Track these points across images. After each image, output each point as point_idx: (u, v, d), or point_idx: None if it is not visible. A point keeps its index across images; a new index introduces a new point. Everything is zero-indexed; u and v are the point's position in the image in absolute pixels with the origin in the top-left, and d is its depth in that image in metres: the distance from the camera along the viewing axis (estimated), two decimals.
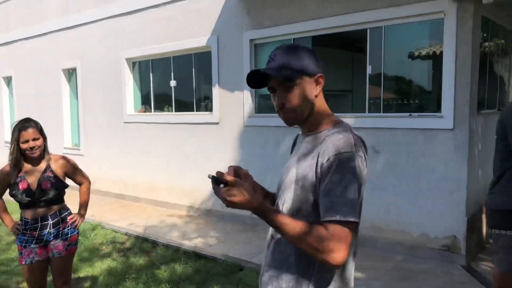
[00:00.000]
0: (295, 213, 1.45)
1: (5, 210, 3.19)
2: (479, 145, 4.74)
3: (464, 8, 4.26)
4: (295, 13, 5.54)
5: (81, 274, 4.62)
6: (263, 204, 1.35)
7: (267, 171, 5.78)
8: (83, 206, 3.33)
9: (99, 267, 4.79)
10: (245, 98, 6.24)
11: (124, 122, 8.12)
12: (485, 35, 4.92)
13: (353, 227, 1.33)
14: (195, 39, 6.76)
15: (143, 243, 5.61)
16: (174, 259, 4.96)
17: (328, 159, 1.36)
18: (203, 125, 6.86)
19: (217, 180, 1.34)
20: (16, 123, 3.02)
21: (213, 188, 1.35)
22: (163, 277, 4.43)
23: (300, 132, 1.59)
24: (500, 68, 5.77)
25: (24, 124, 2.97)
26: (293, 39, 5.67)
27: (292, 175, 1.48)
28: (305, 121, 1.50)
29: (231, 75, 6.38)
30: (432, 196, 4.61)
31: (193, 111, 7.21)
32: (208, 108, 6.97)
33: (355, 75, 7.12)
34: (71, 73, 9.48)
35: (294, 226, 1.32)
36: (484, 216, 4.98)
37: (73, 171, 3.23)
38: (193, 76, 7.13)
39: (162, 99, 7.83)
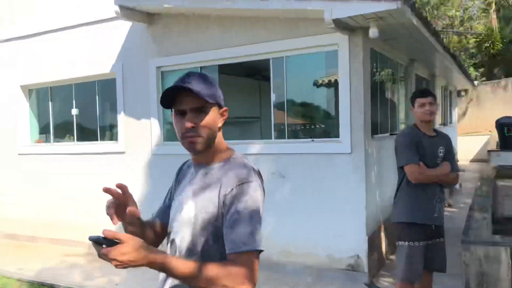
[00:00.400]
0: (195, 247, 1.41)
1: None
2: (375, 167, 5.09)
3: (355, 41, 4.62)
4: (201, 42, 5.58)
5: None
6: (159, 257, 1.26)
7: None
8: None
9: None
10: (152, 126, 6.09)
11: (19, 154, 7.47)
12: (375, 65, 5.37)
13: (258, 256, 1.34)
14: (99, 65, 6.49)
15: None
16: None
17: (232, 190, 1.37)
18: (108, 154, 6.54)
19: (98, 241, 1.20)
20: None
21: (97, 250, 1.21)
22: None
23: (193, 163, 1.56)
24: (390, 96, 6.33)
25: None
26: (200, 67, 5.69)
27: (190, 209, 1.45)
28: (206, 150, 1.48)
29: (138, 103, 6.20)
30: (335, 217, 4.82)
31: (97, 140, 6.86)
32: (114, 137, 6.67)
33: (263, 103, 7.36)
34: None
35: (198, 269, 1.28)
36: (383, 234, 5.31)
37: None
38: (97, 104, 6.81)
39: (63, 129, 7.34)
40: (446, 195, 8.15)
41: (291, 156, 5.06)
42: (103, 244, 1.21)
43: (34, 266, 5.89)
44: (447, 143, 3.26)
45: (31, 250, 6.81)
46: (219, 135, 1.52)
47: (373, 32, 4.31)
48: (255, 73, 6.54)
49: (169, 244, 1.52)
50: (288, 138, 5.21)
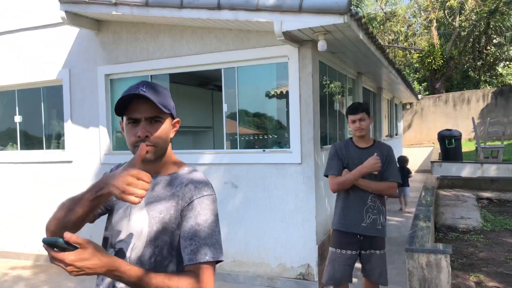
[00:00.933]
0: (148, 258, 1.38)
1: None
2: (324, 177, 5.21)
3: (304, 53, 4.75)
4: (151, 51, 5.53)
5: None
6: (121, 264, 1.21)
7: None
8: None
9: None
10: (101, 135, 5.92)
11: None
12: (324, 77, 5.54)
13: (215, 266, 1.36)
14: (45, 72, 6.24)
15: None
16: None
17: (192, 202, 1.38)
18: (54, 163, 6.27)
19: (54, 244, 1.10)
20: None
21: (50, 254, 1.11)
22: None
23: None
24: (339, 107, 6.54)
25: None
26: (151, 75, 5.62)
27: (143, 219, 1.42)
28: (157, 161, 1.47)
29: (86, 111, 6.02)
30: (286, 227, 4.89)
31: (43, 149, 6.57)
32: (61, 146, 6.42)
33: (215, 113, 7.37)
34: None
35: (162, 281, 1.25)
36: None
37: None
38: (43, 111, 6.53)
39: (5, 136, 6.97)
40: (402, 203, 8.51)
41: (243, 166, 5.09)
42: (56, 247, 1.11)
43: None
44: (384, 153, 3.26)
45: None
46: (170, 146, 1.53)
47: (321, 45, 4.45)
48: (207, 82, 6.54)
49: (112, 252, 1.46)
50: (240, 148, 5.24)
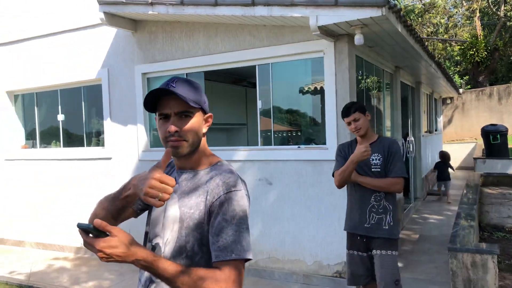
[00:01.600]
0: (179, 253, 1.40)
1: None
2: None
3: (340, 48, 4.66)
4: (186, 49, 5.58)
5: None
6: (147, 255, 1.24)
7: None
8: None
9: None
10: (139, 132, 6.05)
11: (5, 160, 7.36)
12: (360, 72, 5.42)
13: (244, 264, 1.33)
14: (85, 71, 6.45)
15: None
16: None
17: (219, 197, 1.36)
18: (95, 160, 6.48)
19: (88, 230, 1.19)
20: None
21: (84, 240, 1.19)
22: None
23: (175, 169, 1.54)
24: (376, 103, 6.38)
25: None
26: (186, 73, 5.69)
27: (175, 213, 1.43)
28: (189, 156, 1.47)
29: (124, 109, 6.17)
30: (322, 224, 4.83)
31: (84, 146, 6.79)
32: (100, 143, 6.62)
33: (249, 110, 7.37)
34: None
35: (186, 273, 1.26)
36: None
37: None
38: (83, 109, 6.75)
39: (49, 134, 7.26)
40: (446, 194, 8.47)
41: (277, 163, 5.06)
42: (90, 233, 1.19)
43: (23, 269, 5.88)
44: (385, 149, 3.12)
45: (19, 255, 6.76)
46: (203, 141, 1.51)
47: (358, 39, 4.35)
48: (241, 79, 6.55)
49: (149, 246, 1.50)
50: (275, 144, 5.22)
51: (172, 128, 1.41)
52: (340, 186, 3.17)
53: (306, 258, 4.92)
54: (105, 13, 5.40)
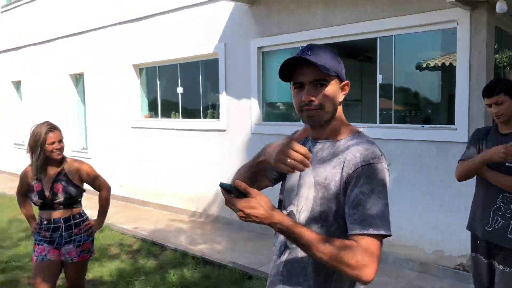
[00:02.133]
0: (313, 222, 1.39)
1: (31, 211, 3.27)
2: None
3: (477, 17, 4.14)
4: (303, 21, 5.45)
5: (91, 274, 4.62)
6: (284, 219, 1.27)
7: None
8: (101, 213, 3.30)
9: (108, 268, 4.82)
10: (252, 106, 6.16)
11: (131, 127, 8.09)
12: (497, 46, 4.79)
13: (382, 240, 1.28)
14: (202, 46, 6.69)
15: (151, 247, 5.64)
16: (182, 263, 4.98)
17: (356, 169, 1.31)
18: (210, 131, 6.80)
19: (229, 190, 1.26)
20: (36, 126, 3.02)
21: (226, 198, 1.26)
22: (172, 281, 4.43)
23: (310, 138, 1.51)
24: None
25: (50, 127, 3.01)
26: (301, 47, 5.57)
27: (310, 182, 1.42)
28: (325, 125, 1.44)
29: (239, 83, 6.31)
30: (445, 212, 4.49)
31: (200, 117, 7.15)
32: (215, 115, 6.90)
33: (365, 85, 7.03)
34: (78, 79, 9.47)
35: (323, 241, 1.25)
36: None
37: (88, 177, 3.19)
38: (200, 83, 7.07)
39: (169, 106, 7.78)
40: None
41: (397, 142, 4.78)
42: (232, 193, 1.25)
43: (146, 227, 6.52)
44: None
45: (142, 213, 7.48)
46: (339, 110, 1.47)
47: (500, 6, 3.82)
48: (358, 53, 6.24)
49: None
50: (395, 123, 4.92)
51: (307, 97, 1.38)
52: (460, 179, 2.75)
53: (424, 245, 4.65)
54: None
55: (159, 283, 4.36)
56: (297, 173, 1.47)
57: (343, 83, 1.46)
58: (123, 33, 8.01)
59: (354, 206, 1.29)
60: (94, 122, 8.92)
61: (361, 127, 5.04)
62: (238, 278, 4.52)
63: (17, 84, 11.53)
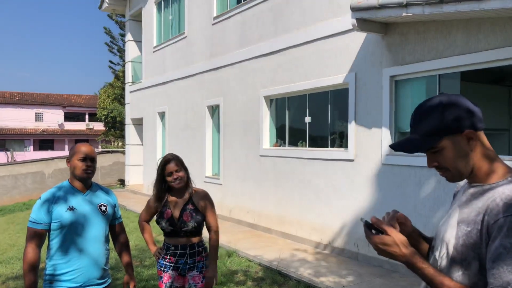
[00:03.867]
0: (455, 270, 1.33)
1: (151, 235, 3.37)
2: None
3: None
4: (440, 49, 5.25)
5: None
6: (418, 259, 1.31)
7: (407, 213, 5.43)
8: (212, 258, 3.23)
9: None
10: (383, 135, 6.04)
11: (260, 156, 8.52)
12: None
13: None
14: (331, 76, 6.84)
15: (276, 275, 5.71)
16: None
17: (498, 220, 1.22)
18: (337, 161, 6.81)
19: (370, 226, 1.37)
20: (160, 159, 3.28)
21: (365, 232, 1.37)
22: None
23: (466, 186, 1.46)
24: None
25: (167, 158, 3.19)
26: (438, 75, 5.36)
27: (453, 228, 1.37)
28: (465, 177, 1.39)
29: (369, 112, 6.27)
30: None
31: (327, 147, 7.23)
32: (343, 145, 6.91)
33: None
34: (214, 109, 10.36)
35: None
36: None
37: (206, 209, 3.24)
38: (328, 112, 7.18)
39: (296, 135, 8.03)
40: None
41: None
42: (372, 229, 1.36)
43: (270, 255, 6.63)
44: None
45: (266, 240, 7.66)
46: (478, 156, 1.35)
47: None
48: (504, 78, 5.74)
49: (431, 255, 1.48)
50: None
51: (429, 163, 1.41)
52: None
53: None
54: (357, 19, 5.58)
55: None
56: (447, 214, 1.47)
57: (465, 133, 1.32)
58: (255, 67, 8.60)
59: (493, 259, 1.20)
60: (227, 149, 9.60)
61: (508, 160, 4.61)
62: None
63: (162, 115, 13.04)
